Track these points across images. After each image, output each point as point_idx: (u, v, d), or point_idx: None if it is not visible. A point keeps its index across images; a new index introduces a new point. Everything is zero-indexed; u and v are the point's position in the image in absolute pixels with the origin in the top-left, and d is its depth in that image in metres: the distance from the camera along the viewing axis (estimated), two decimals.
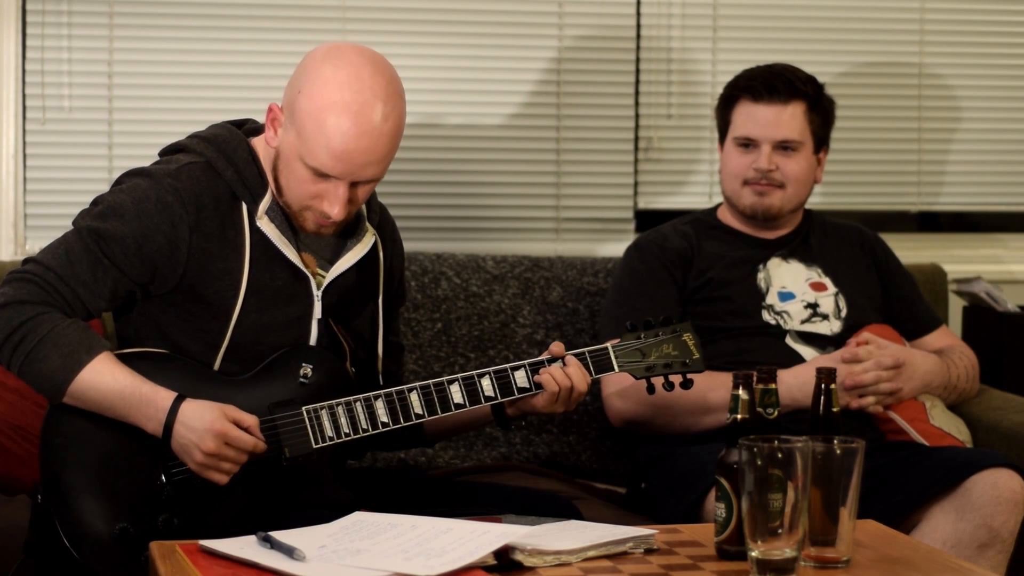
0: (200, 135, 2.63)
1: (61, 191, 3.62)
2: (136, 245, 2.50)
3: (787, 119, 3.26)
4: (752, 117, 3.27)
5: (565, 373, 2.59)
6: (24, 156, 3.62)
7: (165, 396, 2.45)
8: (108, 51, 3.63)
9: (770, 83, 3.26)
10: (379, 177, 2.55)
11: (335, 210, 2.51)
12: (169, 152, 2.65)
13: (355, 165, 2.49)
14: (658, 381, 2.68)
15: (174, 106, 3.65)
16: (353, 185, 2.52)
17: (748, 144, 3.28)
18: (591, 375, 2.64)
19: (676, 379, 2.68)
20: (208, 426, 2.41)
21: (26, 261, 2.53)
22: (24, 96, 3.61)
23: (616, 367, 2.65)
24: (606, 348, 2.65)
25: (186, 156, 2.59)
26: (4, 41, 3.58)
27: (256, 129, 2.68)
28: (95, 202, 2.57)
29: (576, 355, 2.63)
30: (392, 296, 2.78)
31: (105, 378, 2.44)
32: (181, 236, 2.52)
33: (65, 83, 3.62)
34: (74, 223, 2.55)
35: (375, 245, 2.69)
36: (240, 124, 2.68)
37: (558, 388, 2.59)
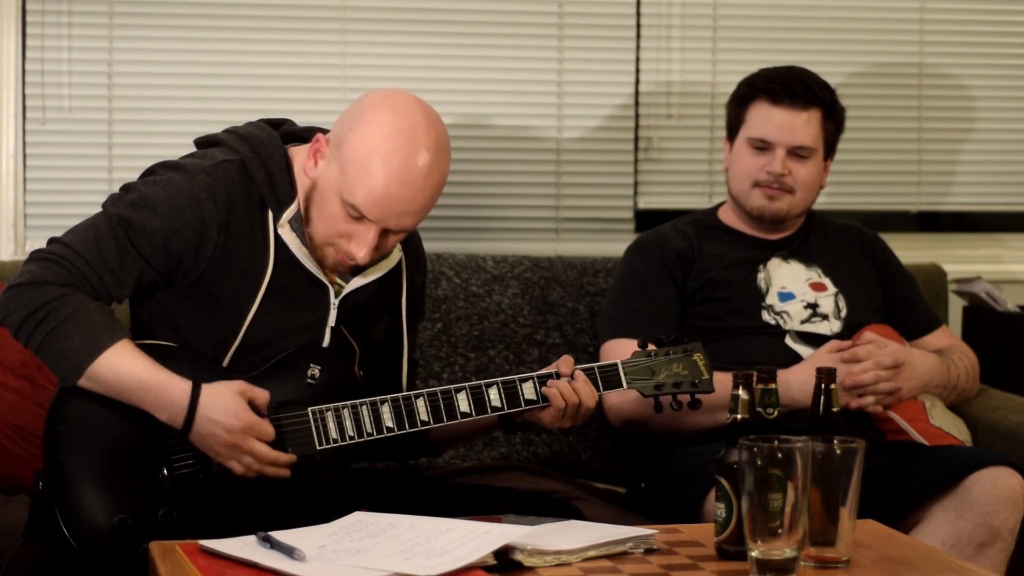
0: (237, 131, 2.62)
1: (61, 191, 3.62)
2: (164, 239, 2.51)
3: (803, 125, 3.25)
4: (769, 120, 3.25)
5: (573, 388, 2.59)
6: (24, 156, 3.62)
7: (182, 386, 2.45)
8: (108, 51, 3.63)
9: (790, 87, 3.24)
10: (411, 229, 2.55)
11: (361, 253, 2.51)
12: (203, 144, 2.65)
13: (392, 212, 2.49)
14: (666, 400, 2.68)
15: (174, 106, 3.65)
16: (383, 232, 2.52)
17: (762, 147, 3.27)
18: (599, 391, 2.64)
19: (684, 398, 2.68)
20: (231, 417, 2.43)
21: (51, 241, 2.53)
22: (24, 96, 3.61)
23: (625, 384, 2.65)
24: (615, 364, 2.65)
25: (221, 152, 2.59)
26: (4, 41, 3.59)
27: (293, 132, 2.67)
28: (126, 188, 2.57)
29: (585, 370, 2.63)
30: (411, 311, 2.78)
31: (125, 361, 2.45)
32: (209, 234, 2.52)
33: (65, 83, 3.62)
34: (104, 207, 2.55)
35: (400, 263, 2.70)
36: (277, 124, 2.68)
37: (564, 403, 2.59)
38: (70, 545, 2.44)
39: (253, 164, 2.56)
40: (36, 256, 2.51)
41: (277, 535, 2.18)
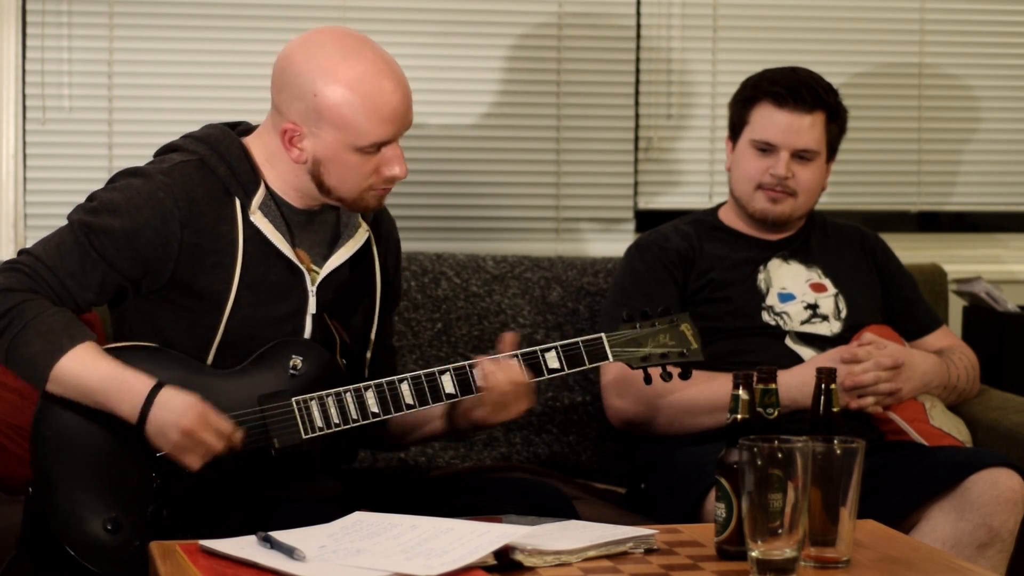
0: (193, 135, 2.66)
1: (61, 191, 3.62)
2: (126, 240, 2.53)
3: (808, 128, 3.24)
4: (774, 122, 3.24)
5: (499, 369, 2.56)
6: (24, 156, 3.62)
7: (145, 382, 2.46)
8: (108, 51, 3.63)
9: (796, 90, 3.23)
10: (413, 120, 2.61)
11: (399, 169, 2.57)
12: (163, 152, 2.67)
13: (402, 117, 2.55)
14: (655, 372, 2.65)
15: (174, 106, 3.66)
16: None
17: (766, 149, 3.26)
18: (586, 364, 2.62)
19: (675, 370, 2.64)
20: (186, 407, 2.43)
21: (20, 252, 2.57)
22: (24, 96, 3.61)
23: (611, 356, 2.62)
24: (600, 337, 2.63)
25: (179, 155, 2.62)
26: (4, 41, 3.59)
27: (249, 130, 2.69)
28: (90, 198, 2.60)
29: (570, 345, 2.61)
30: (385, 295, 2.78)
31: (87, 365, 2.46)
32: (172, 231, 2.53)
33: (65, 83, 3.62)
34: (68, 217, 2.58)
35: (369, 241, 2.70)
36: (233, 126, 2.70)
37: (496, 394, 2.56)
38: (62, 549, 2.45)
39: (212, 160, 2.59)
40: (2, 267, 2.54)
41: (277, 535, 2.18)
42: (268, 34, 3.70)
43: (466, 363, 2.58)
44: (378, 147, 2.54)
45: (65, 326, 2.48)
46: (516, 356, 2.59)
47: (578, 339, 2.63)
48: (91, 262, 2.52)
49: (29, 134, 3.62)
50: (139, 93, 3.65)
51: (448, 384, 2.57)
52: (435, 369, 2.57)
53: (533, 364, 2.59)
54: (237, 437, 2.47)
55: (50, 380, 2.47)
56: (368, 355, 2.74)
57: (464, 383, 2.57)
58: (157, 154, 2.68)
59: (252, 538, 2.21)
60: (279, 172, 2.61)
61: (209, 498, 2.50)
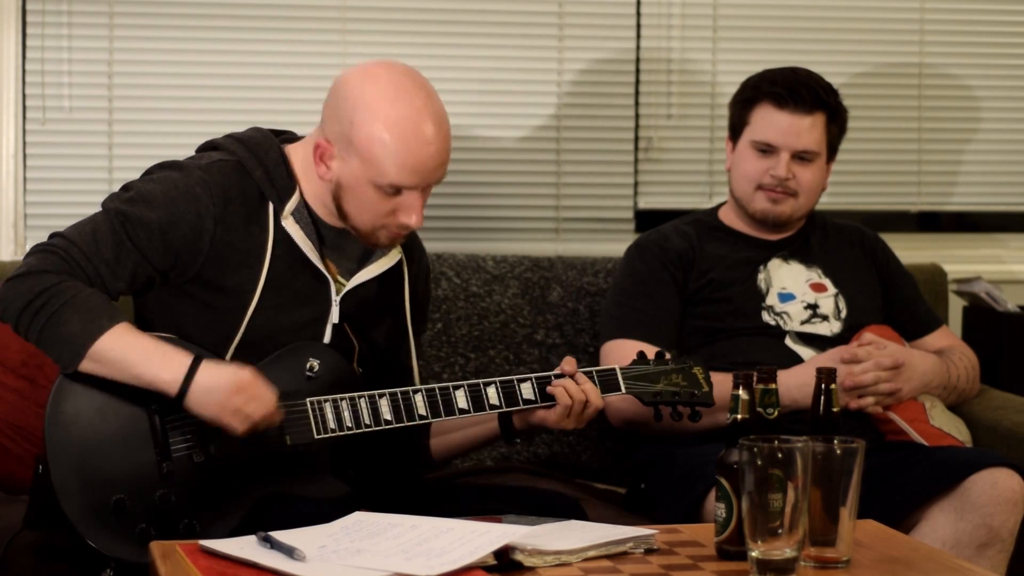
0: (235, 135, 2.69)
1: (61, 191, 3.62)
2: (161, 232, 2.55)
3: (808, 129, 3.24)
4: (774, 124, 3.24)
5: (581, 388, 2.61)
6: (24, 156, 3.62)
7: (186, 354, 2.48)
8: (108, 51, 3.63)
9: (796, 91, 3.23)
10: (444, 177, 2.61)
11: (413, 219, 2.58)
12: (203, 149, 2.70)
13: (429, 172, 2.55)
14: (666, 411, 2.70)
15: (174, 106, 3.65)
16: (423, 190, 2.58)
17: (767, 150, 3.26)
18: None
19: (685, 411, 2.70)
20: (232, 373, 2.46)
21: (52, 235, 2.57)
22: (24, 96, 3.61)
23: (623, 388, 2.68)
24: (613, 369, 2.68)
25: (218, 153, 2.65)
26: (4, 41, 3.59)
27: (291, 139, 2.72)
28: (126, 187, 2.62)
29: (584, 373, 2.65)
30: (415, 318, 2.80)
31: (127, 340, 2.47)
32: (205, 227, 2.56)
33: (65, 83, 3.62)
34: (103, 205, 2.59)
35: (400, 263, 2.73)
36: (278, 134, 2.73)
37: (571, 401, 2.60)
38: (68, 527, 2.46)
39: (250, 163, 2.62)
40: (35, 249, 2.55)
41: (277, 535, 2.18)
42: (268, 34, 3.70)
43: (480, 381, 2.61)
44: (398, 189, 2.55)
45: (103, 307, 2.49)
46: (531, 380, 2.63)
47: (592, 368, 2.67)
48: (125, 252, 2.54)
49: (29, 134, 3.62)
50: (139, 93, 3.65)
51: (462, 400, 2.60)
52: (449, 384, 2.60)
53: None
54: (277, 416, 2.49)
55: (87, 357, 2.47)
56: (415, 375, 2.77)
57: (478, 400, 2.60)
58: (198, 150, 2.71)
59: (252, 538, 2.21)
60: (313, 185, 2.63)
61: (216, 489, 2.51)
